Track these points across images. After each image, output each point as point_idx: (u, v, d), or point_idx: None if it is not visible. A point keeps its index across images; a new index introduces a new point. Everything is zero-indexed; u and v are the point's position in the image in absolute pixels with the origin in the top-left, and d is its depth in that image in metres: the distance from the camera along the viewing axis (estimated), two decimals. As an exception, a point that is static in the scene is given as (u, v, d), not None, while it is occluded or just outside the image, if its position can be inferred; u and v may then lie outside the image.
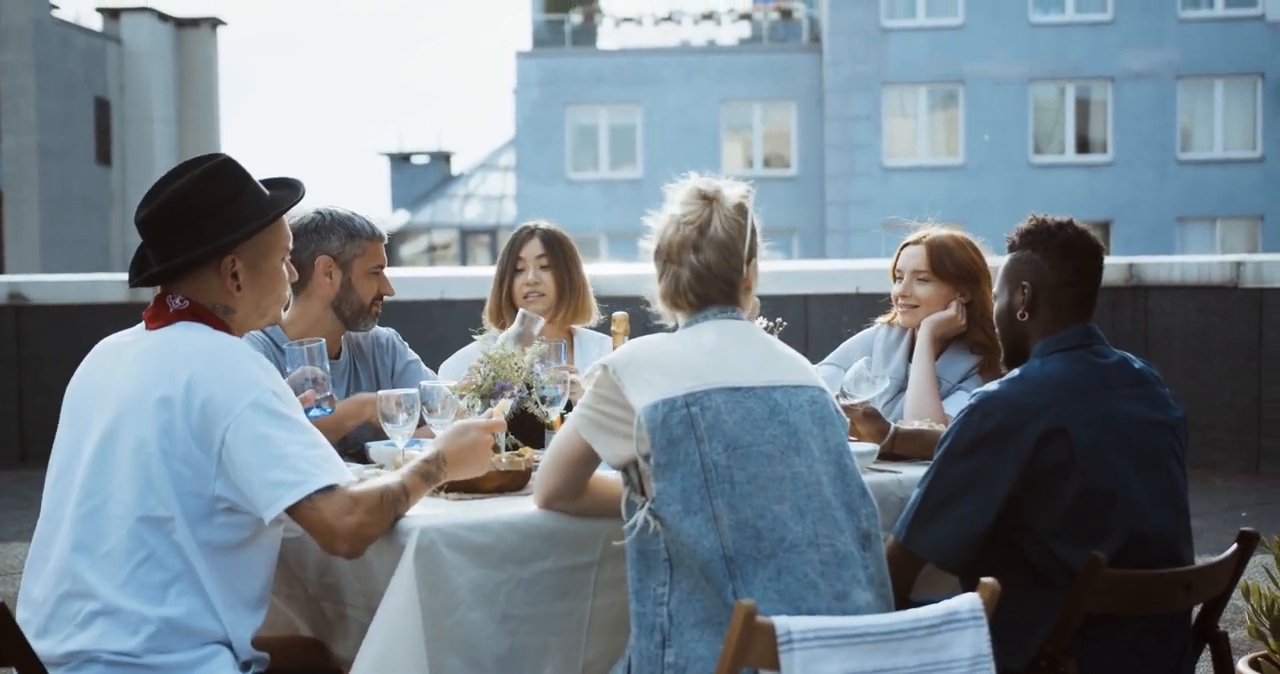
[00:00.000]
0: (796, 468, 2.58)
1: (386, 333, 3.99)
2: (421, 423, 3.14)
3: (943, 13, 30.18)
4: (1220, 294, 8.79)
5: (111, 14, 33.00)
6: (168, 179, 2.73)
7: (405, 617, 2.59)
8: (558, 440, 2.75)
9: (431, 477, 2.76)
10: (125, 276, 2.87)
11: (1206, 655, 3.02)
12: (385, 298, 3.81)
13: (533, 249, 4.29)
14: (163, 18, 33.59)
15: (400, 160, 40.13)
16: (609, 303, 4.31)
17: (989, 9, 29.72)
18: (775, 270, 9.67)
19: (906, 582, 2.87)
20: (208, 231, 2.69)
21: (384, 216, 37.11)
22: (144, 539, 2.59)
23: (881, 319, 4.09)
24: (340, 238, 3.72)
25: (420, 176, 39.90)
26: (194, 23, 34.59)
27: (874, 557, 2.63)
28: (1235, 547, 2.88)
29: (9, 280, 9.94)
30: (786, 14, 32.55)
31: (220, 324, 2.73)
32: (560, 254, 4.28)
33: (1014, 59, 29.66)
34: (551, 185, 31.48)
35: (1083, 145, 30.40)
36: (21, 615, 2.67)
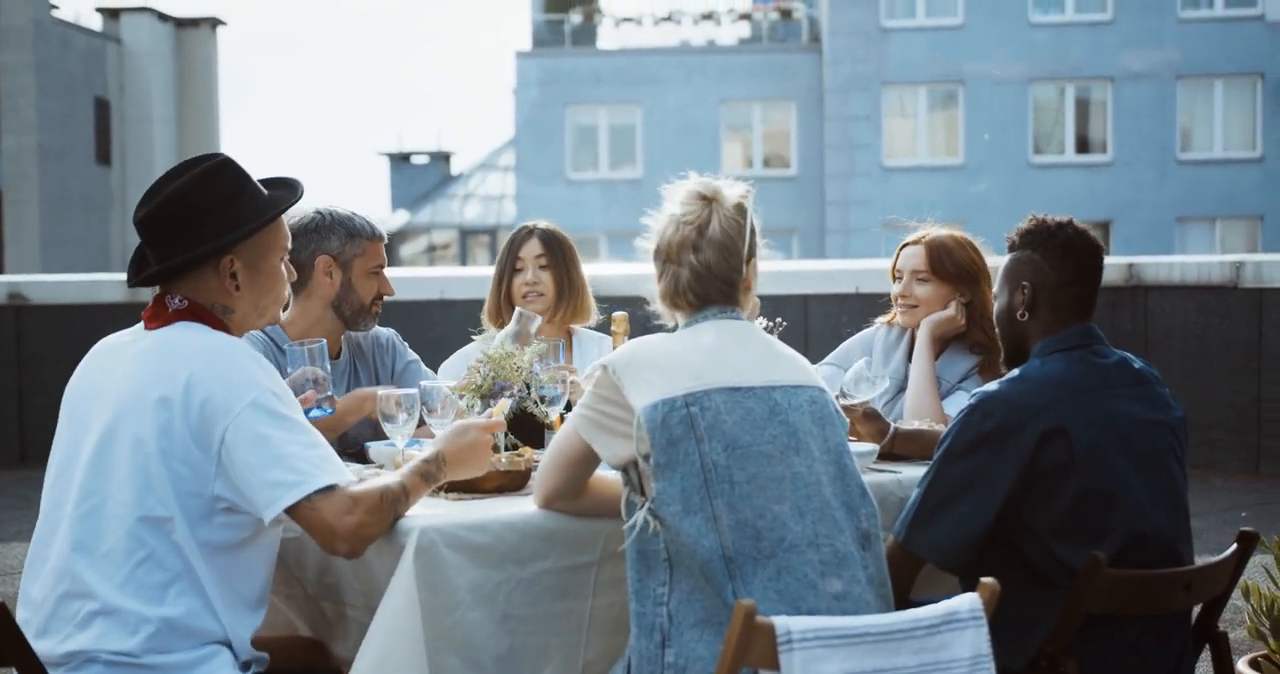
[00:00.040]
0: (796, 468, 2.58)
1: (386, 333, 3.99)
2: (421, 423, 3.15)
3: (942, 13, 30.18)
4: (1220, 294, 8.79)
5: (111, 14, 33.00)
6: (167, 179, 2.73)
7: (405, 617, 2.59)
8: (557, 440, 2.75)
9: (431, 477, 2.76)
10: (125, 276, 2.87)
11: (1206, 655, 3.02)
12: (385, 298, 3.81)
13: (532, 249, 4.29)
14: (162, 18, 33.59)
15: (400, 160, 40.13)
16: (608, 303, 4.31)
17: (989, 9, 29.72)
18: (775, 270, 9.67)
19: (906, 582, 2.87)
20: (207, 231, 2.69)
21: (384, 216, 37.11)
22: (143, 539, 2.59)
23: (881, 319, 4.09)
24: (340, 237, 3.72)
25: (420, 176, 39.90)
26: (194, 23, 34.59)
27: (874, 557, 2.63)
28: (1235, 547, 2.88)
29: (9, 280, 9.94)
30: (786, 14, 32.55)
31: (219, 324, 2.73)
32: (559, 254, 4.28)
33: (1014, 59, 29.66)
34: (551, 185, 31.48)
35: (1082, 145, 30.40)
36: (21, 615, 2.67)
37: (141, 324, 2.76)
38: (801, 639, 2.19)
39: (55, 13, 30.70)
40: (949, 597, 2.36)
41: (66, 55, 30.57)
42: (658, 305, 2.80)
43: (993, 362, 3.77)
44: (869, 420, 3.43)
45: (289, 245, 2.85)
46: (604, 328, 4.13)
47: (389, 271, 3.83)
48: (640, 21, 33.17)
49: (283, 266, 2.82)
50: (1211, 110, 29.81)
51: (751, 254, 2.76)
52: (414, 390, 3.11)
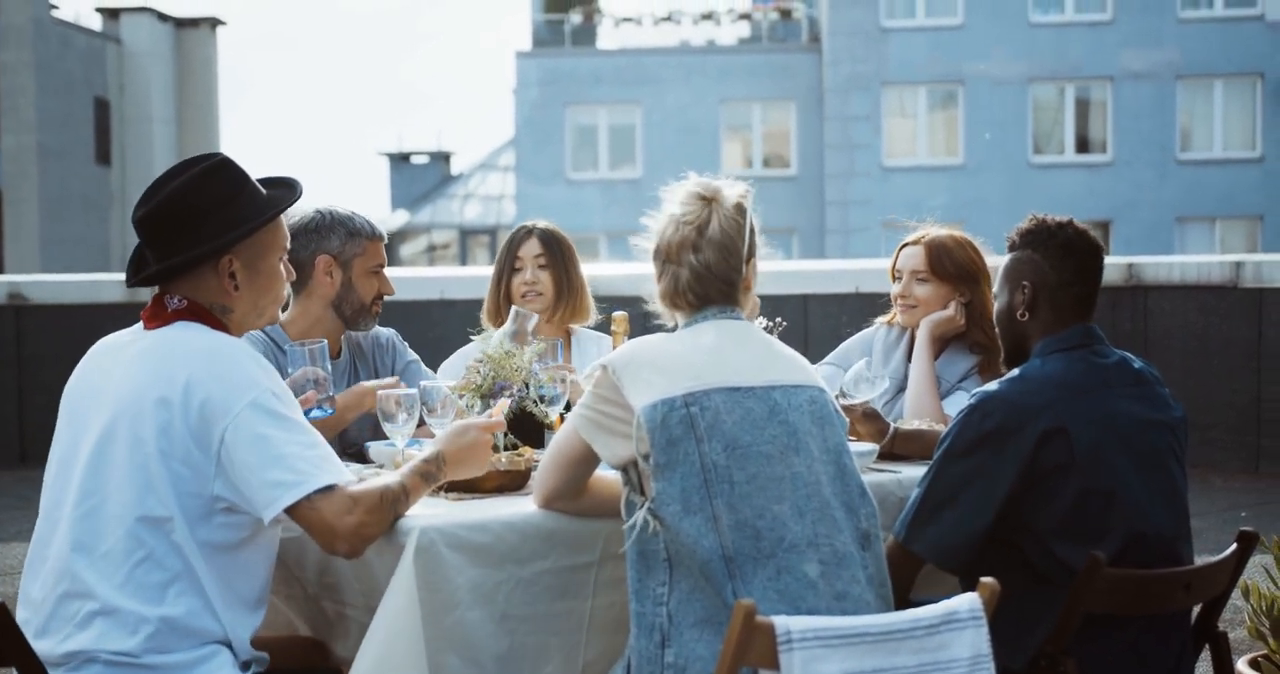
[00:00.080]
0: (796, 468, 2.58)
1: (387, 333, 3.99)
2: (421, 423, 3.15)
3: (942, 13, 30.19)
4: (1220, 294, 8.80)
5: (111, 14, 33.00)
6: (165, 178, 2.72)
7: (405, 616, 2.59)
8: (557, 440, 2.75)
9: (431, 476, 2.76)
10: (124, 276, 2.87)
11: (1206, 655, 3.02)
12: (385, 297, 3.81)
13: (531, 248, 4.29)
14: (162, 18, 33.59)
15: (400, 160, 40.13)
16: (607, 303, 4.31)
17: (988, 9, 29.72)
18: (775, 270, 9.66)
19: (906, 581, 2.87)
20: (206, 231, 2.69)
21: (384, 216, 37.11)
22: (143, 539, 2.58)
23: (881, 319, 4.10)
24: (340, 237, 3.73)
25: (420, 176, 39.90)
26: (193, 23, 34.59)
27: (873, 556, 2.63)
28: (1235, 546, 2.88)
29: (9, 280, 9.94)
30: (786, 14, 32.55)
31: (218, 324, 2.73)
32: (558, 253, 4.28)
33: (1013, 59, 29.66)
34: (551, 185, 31.48)
35: (1082, 145, 30.40)
36: (21, 615, 2.67)
37: (141, 324, 2.76)
38: (801, 639, 2.19)
39: (55, 12, 30.70)
40: (949, 596, 2.36)
41: (66, 55, 30.57)
42: (657, 305, 2.80)
43: (992, 361, 3.77)
44: (869, 420, 3.43)
45: (288, 245, 2.85)
46: (604, 328, 4.13)
47: (389, 271, 3.84)
48: (640, 21, 33.18)
49: (281, 266, 2.82)
50: (1211, 110, 29.81)
51: (751, 254, 2.76)
52: (414, 390, 3.11)
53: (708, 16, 33.03)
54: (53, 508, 2.70)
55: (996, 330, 3.11)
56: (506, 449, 3.13)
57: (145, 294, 2.80)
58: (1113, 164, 29.86)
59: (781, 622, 2.20)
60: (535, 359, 3.35)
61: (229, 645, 2.65)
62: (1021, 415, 2.81)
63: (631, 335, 3.20)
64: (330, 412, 3.34)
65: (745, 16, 33.04)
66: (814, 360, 3.23)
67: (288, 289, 2.90)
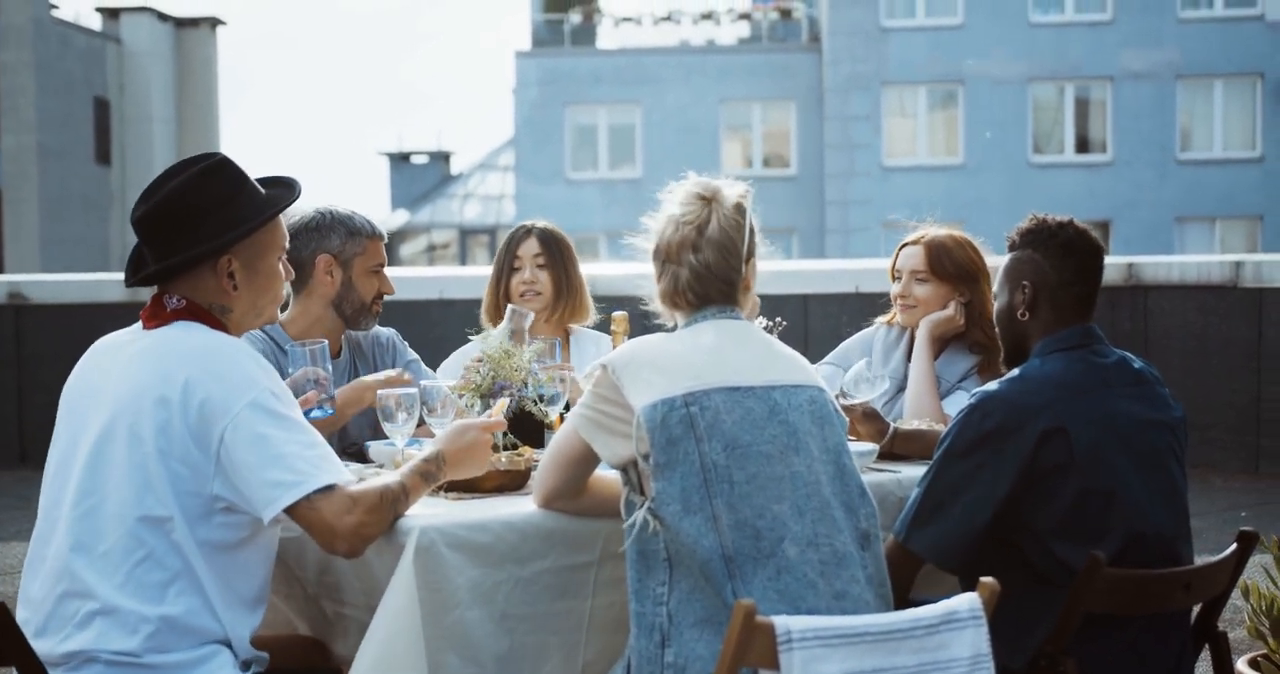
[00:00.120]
0: (796, 467, 2.58)
1: (387, 332, 3.99)
2: (421, 422, 3.15)
3: (942, 12, 30.18)
4: (1219, 294, 8.80)
5: (111, 14, 33.00)
6: (164, 178, 2.72)
7: (405, 616, 2.59)
8: (557, 440, 2.75)
9: (431, 476, 2.76)
10: (123, 276, 2.86)
11: (1206, 655, 3.02)
12: (385, 297, 3.82)
13: (530, 248, 4.29)
14: (162, 17, 33.58)
15: (400, 160, 40.12)
16: (606, 302, 4.31)
17: (988, 9, 29.72)
18: (774, 270, 9.66)
19: (906, 581, 2.87)
20: (205, 231, 2.69)
21: (383, 216, 37.11)
22: (143, 539, 2.58)
23: (881, 319, 4.10)
24: (340, 236, 3.73)
25: (420, 176, 39.89)
26: (193, 22, 34.59)
27: (873, 556, 2.64)
28: (1234, 546, 2.88)
29: (9, 280, 9.94)
30: (786, 14, 32.55)
31: (217, 324, 2.73)
32: (557, 253, 4.28)
33: (1013, 59, 29.66)
34: (551, 185, 31.48)
35: (1082, 145, 30.40)
36: (20, 615, 2.66)
37: (140, 323, 2.76)
38: (801, 639, 2.19)
39: (55, 12, 30.70)
40: (948, 596, 2.36)
41: (66, 55, 30.57)
42: (657, 305, 2.80)
43: (992, 361, 3.77)
44: (869, 420, 3.43)
45: (286, 245, 2.85)
46: (603, 327, 4.13)
47: (389, 271, 3.84)
48: (640, 21, 33.17)
49: (280, 266, 2.82)
50: (1211, 110, 29.81)
51: (751, 254, 2.76)
52: (414, 390, 3.11)
53: (707, 16, 33.03)
54: (51, 507, 2.70)
55: (996, 330, 3.11)
56: (506, 449, 3.13)
57: (145, 294, 2.80)
58: (1112, 164, 29.86)
59: (781, 621, 2.20)
60: (534, 359, 3.35)
61: (229, 645, 2.65)
62: (1021, 415, 2.81)
63: (631, 335, 3.20)
64: (330, 412, 3.34)
65: (745, 16, 33.04)
66: (814, 360, 3.23)
67: (287, 289, 2.90)
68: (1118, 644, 2.82)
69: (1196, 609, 2.96)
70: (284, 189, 2.83)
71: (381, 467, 3.25)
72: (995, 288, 3.09)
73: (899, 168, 30.20)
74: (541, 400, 3.34)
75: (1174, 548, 2.88)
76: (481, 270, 4.42)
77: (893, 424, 3.45)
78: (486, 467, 2.90)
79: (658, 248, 2.75)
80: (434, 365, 4.10)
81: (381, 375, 3.63)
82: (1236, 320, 8.72)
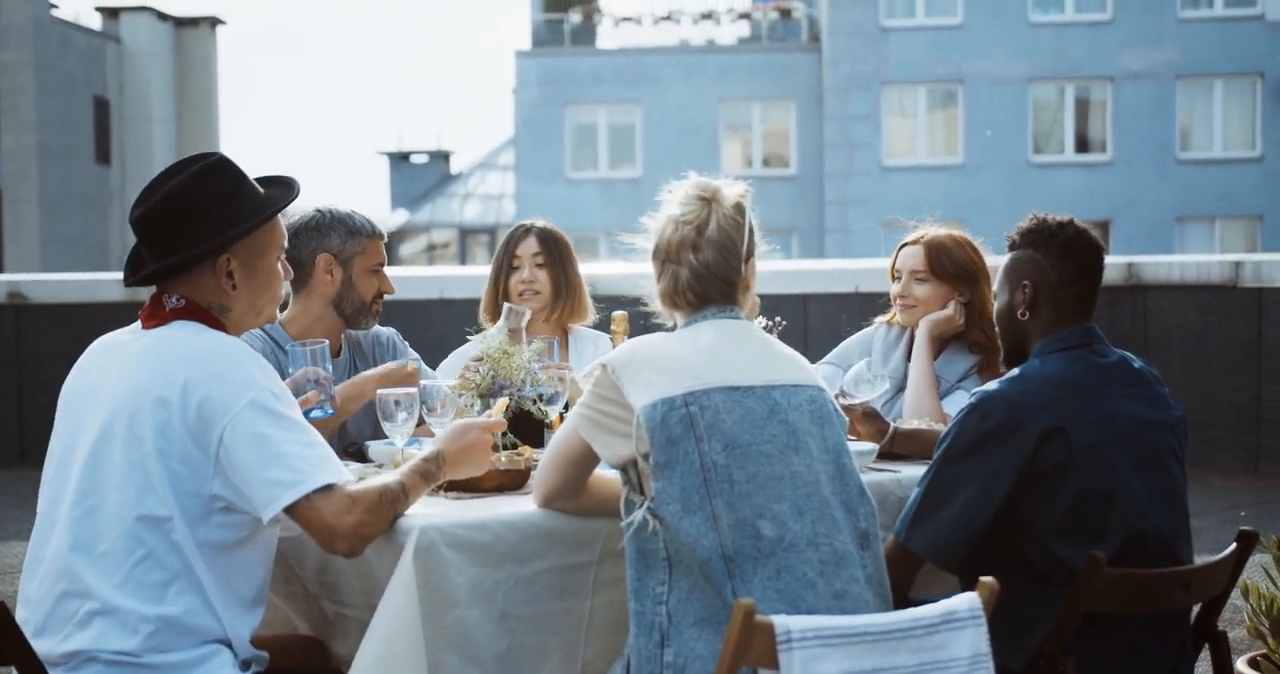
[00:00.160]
0: (795, 467, 2.58)
1: (387, 332, 3.99)
2: (421, 422, 3.15)
3: (942, 12, 30.18)
4: (1219, 293, 8.80)
5: (111, 13, 33.00)
6: (163, 178, 2.72)
7: (404, 615, 2.59)
8: (557, 440, 2.75)
9: (431, 476, 2.76)
10: (122, 276, 2.86)
11: (1205, 655, 3.02)
12: (385, 296, 3.82)
13: (529, 247, 4.28)
14: (162, 17, 33.58)
15: (399, 159, 40.11)
16: (606, 302, 4.31)
17: (988, 8, 29.71)
18: (774, 270, 9.66)
19: (906, 581, 2.87)
20: (203, 230, 2.69)
21: (383, 216, 37.10)
22: (142, 538, 2.58)
23: (880, 318, 4.10)
24: (340, 235, 3.73)
25: (419, 176, 39.88)
26: (193, 22, 34.59)
27: (872, 556, 2.64)
28: (1234, 546, 2.88)
29: (8, 279, 9.94)
30: (786, 13, 32.55)
31: (216, 323, 2.73)
32: (556, 253, 4.28)
33: (1013, 58, 29.66)
34: (550, 184, 31.48)
35: (1082, 145, 30.40)
36: (20, 615, 2.66)
37: (139, 323, 2.75)
38: (801, 638, 2.19)
39: (55, 12, 30.69)
40: (948, 596, 2.36)
41: (66, 54, 30.56)
42: (657, 305, 2.80)
43: (991, 361, 3.77)
44: (868, 420, 3.43)
45: (285, 244, 2.85)
46: (603, 327, 4.12)
47: (388, 270, 3.84)
48: (640, 21, 33.17)
49: (279, 265, 2.82)
50: (1211, 110, 29.81)
51: (750, 253, 2.76)
52: (413, 389, 3.11)
53: (707, 16, 33.03)
54: (50, 507, 2.70)
55: (996, 330, 3.11)
56: (506, 448, 3.13)
57: (145, 293, 2.80)
58: (1112, 164, 29.86)
59: (781, 621, 2.20)
60: (534, 358, 3.35)
61: (228, 644, 2.65)
62: (1021, 415, 2.81)
63: (631, 335, 3.20)
64: (331, 412, 3.34)
65: (745, 16, 33.04)
66: (813, 360, 3.23)
67: (286, 288, 2.90)
68: (1117, 644, 2.82)
69: (1196, 609, 2.96)
70: (283, 188, 2.83)
71: (381, 466, 3.25)
72: (995, 287, 3.09)
73: (899, 167, 30.20)
74: (541, 400, 3.33)
75: (1174, 548, 2.88)
76: (481, 270, 4.42)
77: (892, 424, 3.45)
78: (486, 466, 2.90)
79: (657, 247, 2.75)
80: (434, 365, 4.10)
81: (384, 368, 3.62)
82: (1236, 320, 8.72)
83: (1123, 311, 9.03)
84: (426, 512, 2.75)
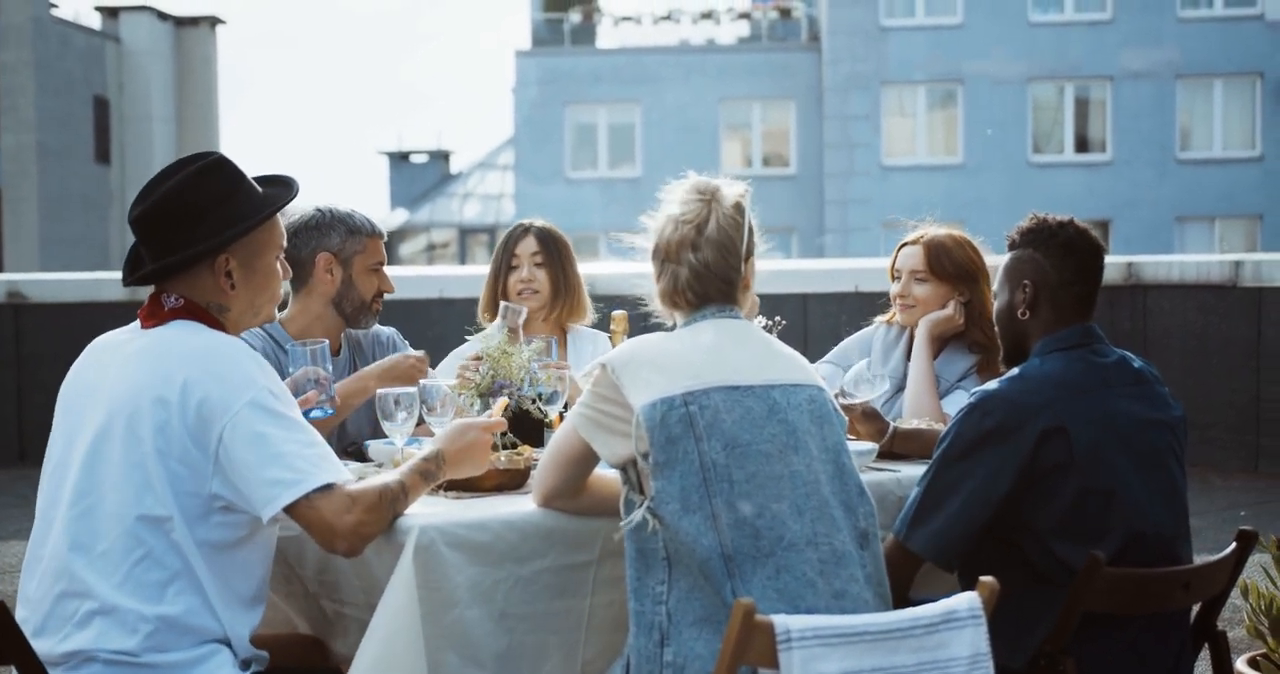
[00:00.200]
0: (795, 467, 2.58)
1: (387, 331, 3.99)
2: (420, 421, 3.14)
3: (942, 12, 30.18)
4: (1219, 293, 8.79)
5: (110, 13, 32.99)
6: (161, 177, 2.72)
7: (404, 615, 2.59)
8: (556, 439, 2.75)
9: (430, 475, 2.76)
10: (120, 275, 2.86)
11: (1205, 654, 3.02)
12: (385, 295, 3.82)
13: (528, 246, 4.28)
14: (162, 16, 33.57)
15: (399, 159, 40.10)
16: (604, 301, 4.31)
17: (988, 8, 29.72)
18: (774, 269, 9.66)
19: (905, 580, 2.87)
20: (202, 230, 2.69)
21: (383, 215, 37.09)
22: (142, 538, 2.58)
23: (880, 318, 4.10)
24: (340, 234, 3.73)
25: (419, 175, 39.88)
26: (193, 21, 34.58)
27: (872, 555, 2.64)
28: (1234, 546, 2.88)
29: (8, 279, 9.94)
30: (785, 13, 32.55)
31: (215, 323, 2.73)
32: (555, 252, 4.28)
33: (1013, 58, 29.66)
34: (550, 184, 31.48)
35: (1082, 144, 30.40)
36: (19, 614, 2.66)
37: (138, 322, 2.75)
38: (800, 638, 2.19)
39: (54, 11, 30.69)
40: (948, 595, 2.36)
41: (66, 54, 30.56)
42: (656, 305, 2.80)
43: (991, 361, 3.77)
44: (868, 419, 3.42)
45: (284, 243, 2.85)
46: (602, 326, 4.12)
47: (388, 270, 3.84)
48: (639, 20, 33.18)
49: (278, 265, 2.82)
50: (1211, 109, 29.81)
51: (750, 253, 2.76)
52: (413, 389, 3.11)
53: (707, 15, 33.03)
54: (48, 506, 2.70)
55: (996, 329, 3.11)
56: (505, 448, 3.13)
57: (145, 293, 2.79)
58: (1112, 163, 29.86)
59: (781, 621, 2.20)
60: (534, 358, 3.35)
61: (228, 644, 2.65)
62: (1021, 414, 2.81)
63: (630, 334, 3.20)
64: (331, 412, 3.34)
65: (744, 15, 33.05)
66: (813, 360, 3.23)
67: (286, 287, 2.90)
68: (1117, 644, 2.82)
69: (1196, 608, 2.96)
70: (281, 188, 2.83)
71: (381, 465, 3.25)
72: (995, 287, 3.09)
73: (898, 167, 30.20)
74: (540, 399, 3.33)
75: (1173, 547, 2.88)
76: (481, 269, 4.42)
77: (892, 423, 3.45)
78: (486, 466, 2.90)
79: (657, 247, 2.75)
80: (433, 364, 4.10)
81: (384, 364, 3.62)
82: (1236, 320, 8.71)
83: (1122, 311, 9.03)
84: (426, 511, 2.75)
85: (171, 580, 2.59)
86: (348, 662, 2.67)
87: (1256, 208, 29.44)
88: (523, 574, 2.72)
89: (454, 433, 2.84)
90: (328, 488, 2.57)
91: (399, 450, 3.08)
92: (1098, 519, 2.80)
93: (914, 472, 3.09)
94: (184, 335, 2.68)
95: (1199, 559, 2.95)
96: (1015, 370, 2.93)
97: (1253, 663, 3.76)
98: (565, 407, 3.33)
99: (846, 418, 2.86)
